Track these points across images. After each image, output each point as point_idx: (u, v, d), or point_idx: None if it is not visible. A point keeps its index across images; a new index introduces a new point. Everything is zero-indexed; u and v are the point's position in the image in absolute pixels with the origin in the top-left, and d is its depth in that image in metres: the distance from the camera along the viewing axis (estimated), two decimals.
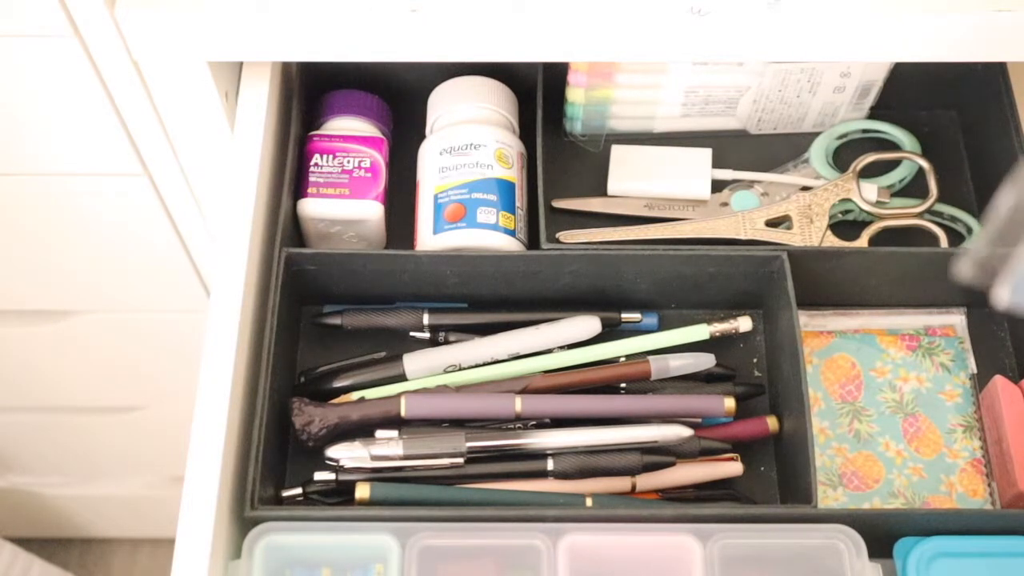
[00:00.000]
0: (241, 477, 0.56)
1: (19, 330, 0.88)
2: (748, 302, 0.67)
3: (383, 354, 0.65)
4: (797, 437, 0.59)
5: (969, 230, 0.69)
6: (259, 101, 0.64)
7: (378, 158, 0.66)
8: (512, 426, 0.61)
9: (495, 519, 0.55)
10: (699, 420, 0.62)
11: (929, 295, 0.67)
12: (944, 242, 0.67)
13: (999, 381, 0.63)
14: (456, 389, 0.61)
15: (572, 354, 0.64)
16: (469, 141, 0.65)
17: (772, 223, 0.67)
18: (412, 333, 0.65)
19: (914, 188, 0.70)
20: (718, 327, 0.64)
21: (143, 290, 0.84)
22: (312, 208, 0.65)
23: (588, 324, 0.64)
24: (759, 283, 0.65)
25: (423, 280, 0.64)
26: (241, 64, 0.65)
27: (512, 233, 0.64)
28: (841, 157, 0.72)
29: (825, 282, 0.65)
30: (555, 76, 0.69)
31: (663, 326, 0.67)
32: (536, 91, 0.68)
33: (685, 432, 0.60)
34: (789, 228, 0.67)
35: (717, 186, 0.71)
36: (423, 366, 0.63)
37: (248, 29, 0.57)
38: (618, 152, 0.71)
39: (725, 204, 0.70)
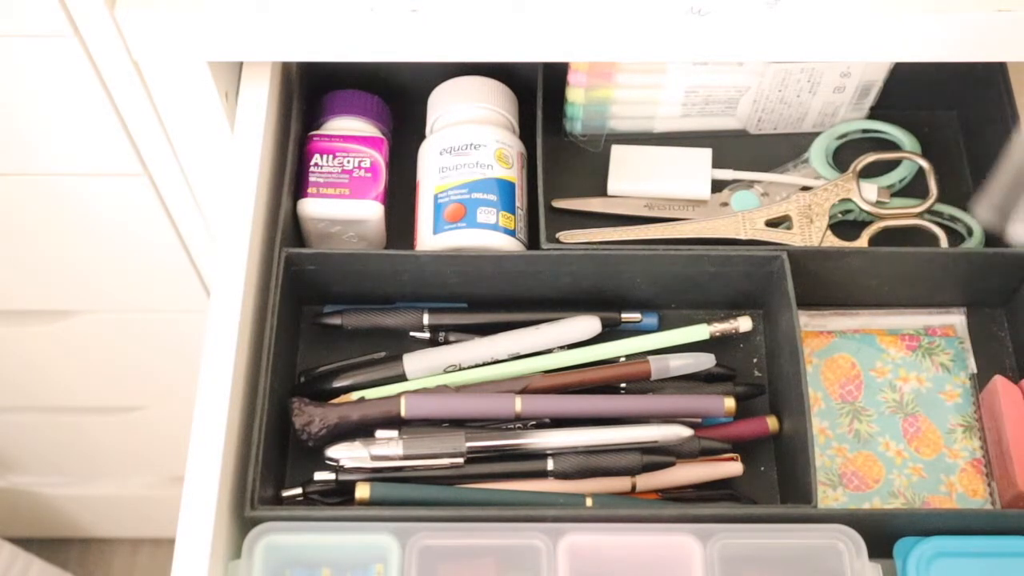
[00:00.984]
0: (241, 477, 0.56)
1: (19, 330, 0.88)
2: (748, 302, 0.67)
3: (383, 354, 0.65)
4: (797, 437, 0.59)
5: (969, 230, 0.69)
6: (259, 101, 0.64)
7: (378, 158, 0.66)
8: (512, 426, 0.61)
9: (495, 519, 0.55)
10: (699, 420, 0.62)
11: (929, 295, 0.67)
12: (944, 242, 0.67)
13: (999, 381, 0.63)
14: (456, 389, 0.61)
15: (572, 354, 0.64)
16: (469, 141, 0.65)
17: (772, 223, 0.67)
18: (412, 333, 0.65)
19: (914, 188, 0.70)
20: (718, 327, 0.64)
21: (143, 290, 0.84)
22: (312, 208, 0.65)
23: (588, 324, 0.64)
24: (759, 283, 0.65)
25: (423, 280, 0.64)
26: (241, 64, 0.65)
27: (512, 233, 0.64)
28: (841, 157, 0.72)
29: (825, 282, 0.65)
30: (555, 76, 0.69)
31: (663, 326, 0.67)
32: (536, 91, 0.68)
33: (685, 432, 0.60)
34: (789, 228, 0.67)
35: (717, 186, 0.71)
36: (423, 366, 0.63)
37: (248, 29, 0.57)
38: (618, 152, 0.71)
39: (725, 204, 0.70)
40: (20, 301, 0.86)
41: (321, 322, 0.66)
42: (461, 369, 0.63)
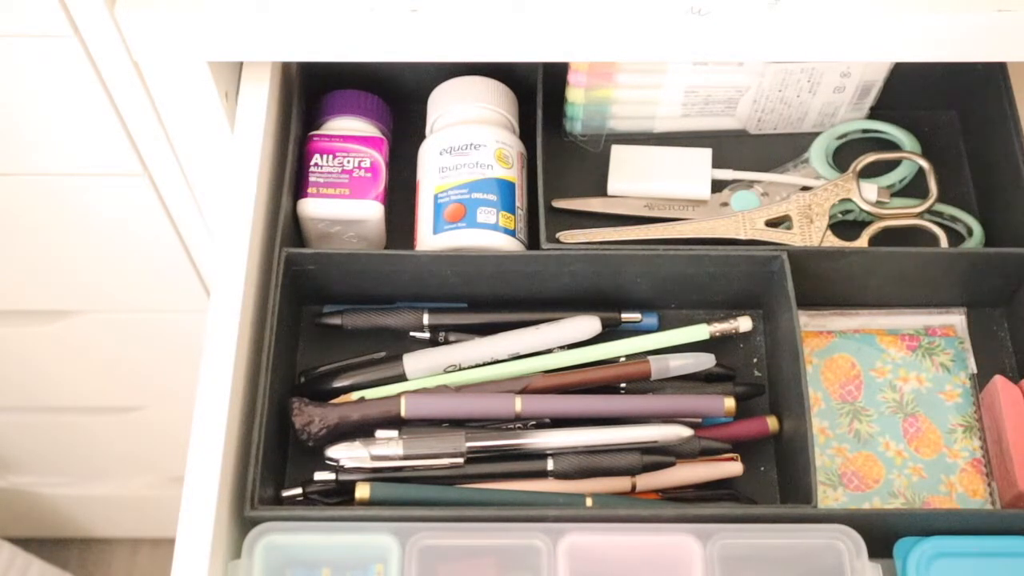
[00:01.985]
0: (241, 477, 0.56)
1: (19, 330, 0.88)
2: (748, 302, 0.67)
3: (383, 354, 0.65)
4: (797, 437, 0.59)
5: (969, 230, 0.69)
6: (259, 101, 0.64)
7: (378, 158, 0.66)
8: (512, 426, 0.61)
9: (495, 519, 0.55)
10: (699, 420, 0.62)
11: (929, 295, 0.67)
12: (944, 242, 0.67)
13: (999, 381, 0.63)
14: (456, 389, 0.61)
15: (572, 354, 0.64)
16: (469, 141, 0.65)
17: (772, 223, 0.67)
18: (412, 333, 0.65)
19: (914, 188, 0.70)
20: (718, 327, 0.64)
21: (143, 290, 0.84)
22: (312, 208, 0.65)
23: (588, 324, 0.64)
24: (759, 283, 0.65)
25: (423, 280, 0.64)
26: (241, 64, 0.65)
27: (512, 233, 0.64)
28: (841, 157, 0.72)
29: (825, 282, 0.65)
30: (555, 76, 0.69)
31: (663, 326, 0.67)
32: (536, 91, 0.68)
33: (685, 432, 0.60)
34: (789, 228, 0.67)
35: (717, 186, 0.71)
36: (423, 366, 0.63)
37: (248, 29, 0.57)
38: (618, 152, 0.71)
39: (725, 204, 0.70)
40: (20, 301, 0.86)
41: (321, 322, 0.66)
42: (461, 369, 0.63)
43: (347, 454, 0.58)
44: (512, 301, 0.66)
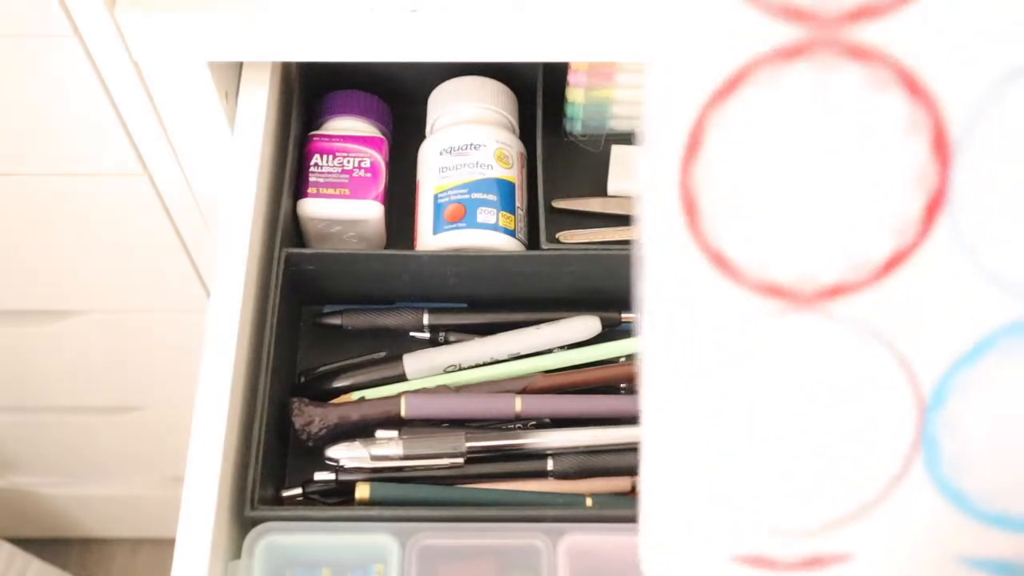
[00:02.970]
0: (241, 477, 0.56)
1: (19, 330, 0.88)
2: None
3: (383, 354, 0.65)
4: None
5: None
6: (259, 101, 0.64)
7: (378, 158, 0.66)
8: (512, 426, 0.61)
9: (495, 519, 0.55)
10: None
11: None
12: None
13: None
14: (456, 389, 0.61)
15: (572, 354, 0.64)
16: (469, 141, 0.65)
17: None
18: (412, 333, 0.65)
19: None
20: None
21: (143, 290, 0.84)
22: (312, 208, 0.65)
23: (588, 324, 0.64)
24: None
25: (423, 280, 0.64)
26: (241, 64, 0.65)
27: (512, 233, 0.64)
28: None
29: None
30: (555, 76, 0.69)
31: None
32: (536, 91, 0.68)
33: None
34: None
35: None
36: (423, 366, 0.63)
37: (248, 29, 0.57)
38: (618, 152, 0.71)
39: None
40: (20, 301, 0.86)
41: (321, 322, 0.66)
42: (461, 369, 0.63)
43: (347, 454, 0.58)
44: (512, 301, 0.66)
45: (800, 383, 0.25)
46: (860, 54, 0.23)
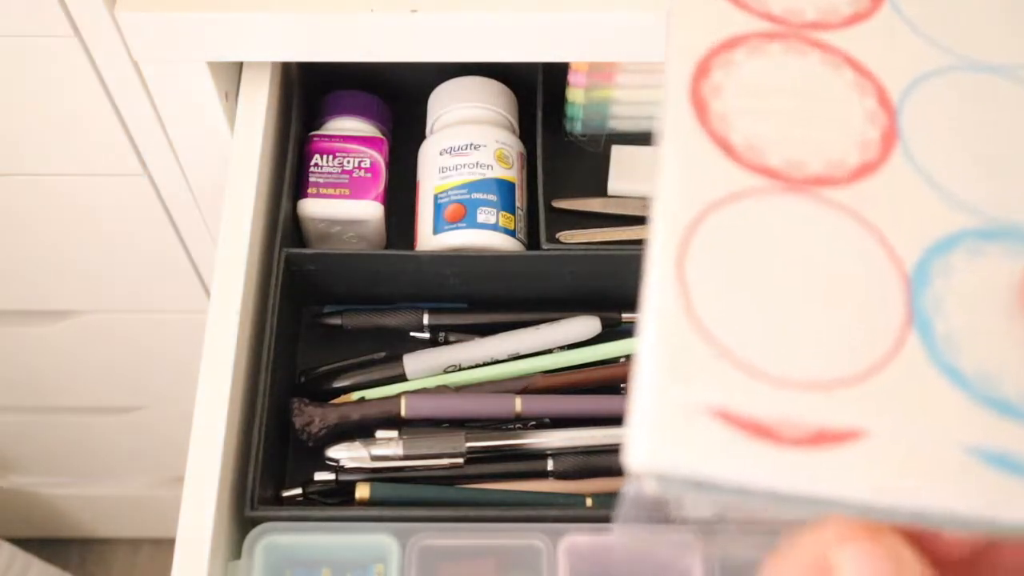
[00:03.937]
0: (241, 477, 0.56)
1: (19, 330, 0.88)
2: None
3: (383, 354, 0.65)
4: None
5: None
6: (259, 101, 0.64)
7: (378, 158, 0.66)
8: (512, 426, 0.61)
9: (495, 519, 0.55)
10: None
11: None
12: None
13: None
14: (456, 389, 0.61)
15: (572, 354, 0.64)
16: (469, 141, 0.65)
17: None
18: (412, 333, 0.65)
19: None
20: None
21: (143, 290, 0.84)
22: (312, 208, 0.65)
23: (588, 324, 0.64)
24: None
25: (423, 280, 0.64)
26: (241, 64, 0.65)
27: (512, 233, 0.64)
28: None
29: None
30: (555, 76, 0.69)
31: None
32: (536, 91, 0.68)
33: None
34: None
35: None
36: (423, 366, 0.63)
37: (248, 29, 0.57)
38: (618, 152, 0.71)
39: None
40: (20, 301, 0.86)
41: (321, 322, 0.66)
42: (461, 369, 0.63)
43: (347, 454, 0.58)
44: (512, 301, 0.66)
45: (794, 250, 0.29)
46: (819, 45, 0.34)
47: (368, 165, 0.66)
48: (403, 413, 0.60)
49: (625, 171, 0.71)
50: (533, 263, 0.63)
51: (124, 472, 1.17)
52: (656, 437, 0.27)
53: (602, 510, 0.58)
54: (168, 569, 0.52)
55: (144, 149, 0.67)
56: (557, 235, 0.67)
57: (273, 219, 0.64)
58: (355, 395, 0.62)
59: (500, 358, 0.64)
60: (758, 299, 0.29)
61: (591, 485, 0.60)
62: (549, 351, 0.64)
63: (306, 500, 0.59)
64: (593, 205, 0.70)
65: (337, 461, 0.58)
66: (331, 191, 0.65)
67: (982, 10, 0.36)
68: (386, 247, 0.69)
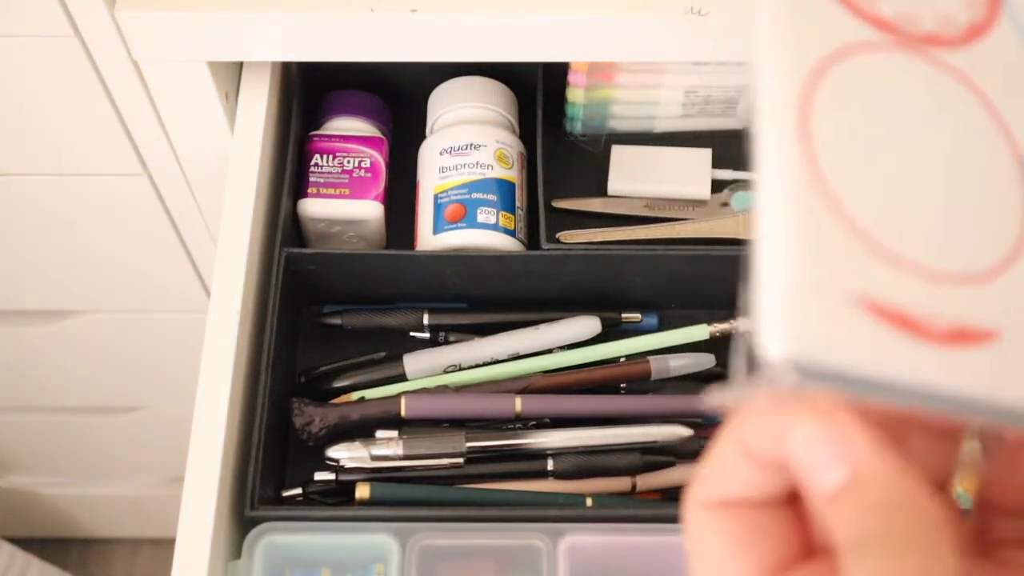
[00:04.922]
0: (241, 477, 0.56)
1: (19, 330, 0.88)
2: None
3: (383, 354, 0.65)
4: None
5: None
6: (259, 101, 0.64)
7: (378, 158, 0.66)
8: (512, 426, 0.61)
9: (495, 519, 0.55)
10: (699, 420, 0.62)
11: None
12: None
13: None
14: (456, 389, 0.61)
15: (572, 354, 0.64)
16: (469, 141, 0.65)
17: None
18: (412, 333, 0.65)
19: None
20: (718, 327, 0.64)
21: (143, 290, 0.84)
22: (312, 208, 0.65)
23: (588, 324, 0.64)
24: None
25: (423, 280, 0.64)
26: (241, 64, 0.65)
27: (512, 233, 0.64)
28: None
29: None
30: (555, 76, 0.69)
31: (663, 326, 0.67)
32: (536, 91, 0.68)
33: (685, 432, 0.60)
34: None
35: (717, 186, 0.71)
36: (423, 366, 0.63)
37: (248, 29, 0.57)
38: (618, 152, 0.71)
39: (725, 204, 0.70)
40: (20, 301, 0.86)
41: (321, 322, 0.66)
42: (461, 369, 0.63)
43: (347, 454, 0.58)
44: (512, 301, 0.66)
45: (915, 120, 0.27)
46: None
47: (368, 165, 0.66)
48: (403, 413, 0.60)
49: (625, 171, 0.71)
50: (533, 263, 0.63)
51: (124, 472, 1.17)
52: (799, 324, 0.24)
53: (602, 510, 0.58)
54: (168, 569, 0.52)
55: (144, 149, 0.67)
56: (557, 235, 0.67)
57: (273, 219, 0.64)
58: (355, 395, 0.62)
59: (500, 358, 0.64)
60: (885, 174, 0.26)
61: (591, 485, 0.60)
62: (549, 351, 0.64)
63: (306, 500, 0.59)
64: (593, 205, 0.70)
65: (337, 461, 0.58)
66: (331, 191, 0.65)
67: None
68: (386, 247, 0.69)
